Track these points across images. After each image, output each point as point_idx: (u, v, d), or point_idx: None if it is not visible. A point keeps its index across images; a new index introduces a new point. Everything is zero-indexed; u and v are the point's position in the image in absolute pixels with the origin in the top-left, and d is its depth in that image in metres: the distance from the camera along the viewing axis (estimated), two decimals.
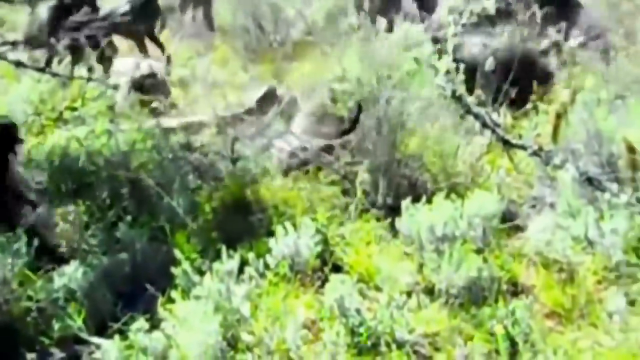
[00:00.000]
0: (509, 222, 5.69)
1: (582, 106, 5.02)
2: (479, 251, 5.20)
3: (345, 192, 6.12)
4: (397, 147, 6.08)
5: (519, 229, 5.75)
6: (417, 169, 6.05)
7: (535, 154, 3.99)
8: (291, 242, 4.98)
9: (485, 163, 6.21)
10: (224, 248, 4.83)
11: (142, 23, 9.68)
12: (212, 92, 7.96)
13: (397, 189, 5.97)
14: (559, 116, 3.94)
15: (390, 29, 7.94)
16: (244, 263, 4.92)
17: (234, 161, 6.25)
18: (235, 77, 8.86)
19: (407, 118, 6.13)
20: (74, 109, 7.59)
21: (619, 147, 4.50)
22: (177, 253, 4.87)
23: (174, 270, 4.83)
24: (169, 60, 9.57)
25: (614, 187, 3.86)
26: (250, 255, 4.91)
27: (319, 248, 5.21)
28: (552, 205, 5.75)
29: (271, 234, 5.36)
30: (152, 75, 8.51)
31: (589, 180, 3.90)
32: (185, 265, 4.82)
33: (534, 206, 5.93)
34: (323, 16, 9.80)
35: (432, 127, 6.25)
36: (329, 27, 9.61)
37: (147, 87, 8.34)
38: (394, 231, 5.58)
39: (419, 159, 6.08)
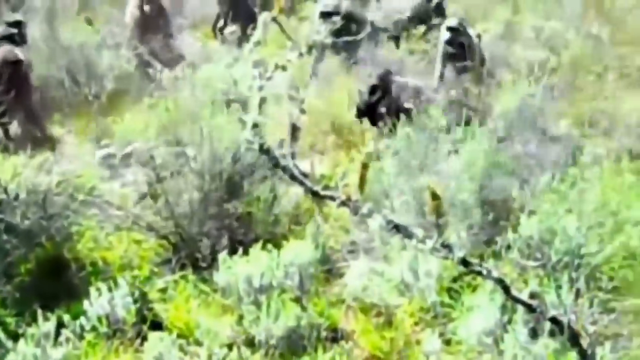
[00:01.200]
0: (327, 268, 5.80)
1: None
2: (297, 300, 5.27)
3: (162, 246, 6.08)
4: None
5: (337, 275, 5.87)
6: (235, 220, 6.07)
7: (343, 204, 4.09)
8: (105, 302, 4.90)
9: (303, 211, 6.31)
10: (39, 311, 4.73)
11: None
12: None
13: (215, 240, 5.97)
14: (364, 166, 4.06)
15: None
16: (61, 325, 4.84)
17: (49, 218, 6.11)
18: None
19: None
20: None
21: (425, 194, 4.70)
22: None
23: None
24: None
25: (419, 233, 3.99)
26: (67, 317, 4.83)
27: (136, 306, 5.16)
28: (368, 251, 5.91)
29: (89, 293, 5.29)
30: None
31: (396, 228, 4.02)
32: None
33: (351, 251, 6.07)
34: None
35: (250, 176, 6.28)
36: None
37: None
38: (212, 284, 5.57)
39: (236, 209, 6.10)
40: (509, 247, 5.36)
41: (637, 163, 6.22)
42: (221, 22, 12.40)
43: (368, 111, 8.01)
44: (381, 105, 7.91)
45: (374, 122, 7.87)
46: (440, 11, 11.09)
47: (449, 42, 9.07)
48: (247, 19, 11.53)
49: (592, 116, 8.35)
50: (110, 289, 5.03)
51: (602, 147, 7.34)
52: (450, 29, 9.09)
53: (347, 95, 8.35)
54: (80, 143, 7.86)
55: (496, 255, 5.45)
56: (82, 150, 7.24)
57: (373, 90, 8.03)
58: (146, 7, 11.05)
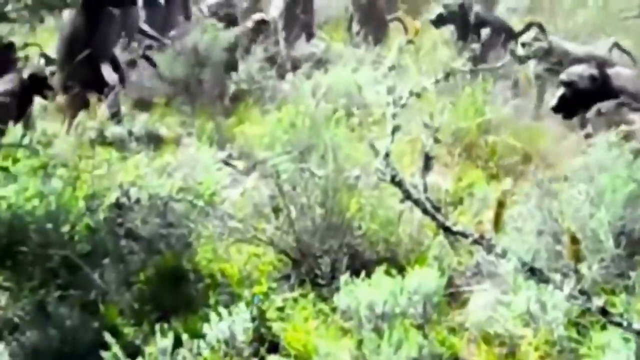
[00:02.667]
0: (450, 292, 5.63)
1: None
2: (419, 327, 5.11)
3: (281, 260, 5.98)
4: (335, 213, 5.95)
5: (459, 300, 5.68)
6: (357, 237, 5.93)
7: (476, 242, 3.90)
8: (226, 327, 4.82)
9: (426, 230, 6.12)
10: (157, 326, 4.69)
11: None
12: None
13: (336, 257, 5.83)
14: (500, 204, 3.87)
15: None
16: (178, 341, 4.80)
17: (169, 225, 6.07)
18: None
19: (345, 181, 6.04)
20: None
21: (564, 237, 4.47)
22: (107, 336, 4.69)
23: (104, 354, 4.65)
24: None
25: (557, 278, 3.79)
26: (185, 336, 4.77)
27: (254, 324, 5.07)
28: (492, 275, 5.69)
29: (207, 306, 5.25)
30: None
31: (531, 271, 3.82)
32: (116, 349, 4.65)
33: (475, 274, 5.87)
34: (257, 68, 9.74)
35: (372, 192, 6.13)
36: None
37: None
38: (332, 304, 5.45)
39: (358, 227, 5.95)
40: None
41: None
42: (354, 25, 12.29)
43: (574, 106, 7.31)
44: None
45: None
46: None
47: None
48: (377, 26, 11.47)
49: None
50: (230, 313, 4.93)
51: None
52: None
53: (471, 106, 8.15)
54: (202, 146, 7.80)
55: (629, 291, 5.20)
56: (202, 154, 7.15)
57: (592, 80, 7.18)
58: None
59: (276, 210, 5.76)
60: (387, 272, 5.27)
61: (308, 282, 5.78)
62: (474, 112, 8.09)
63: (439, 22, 10.74)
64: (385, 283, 5.16)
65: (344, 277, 5.31)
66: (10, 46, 8.50)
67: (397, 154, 7.17)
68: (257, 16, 10.91)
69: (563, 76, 7.42)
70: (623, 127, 5.89)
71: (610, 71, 7.28)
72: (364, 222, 5.96)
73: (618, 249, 5.49)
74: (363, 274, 5.32)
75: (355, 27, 12.24)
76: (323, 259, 5.80)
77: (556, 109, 7.42)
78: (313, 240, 5.87)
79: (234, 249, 6.06)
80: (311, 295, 5.60)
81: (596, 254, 5.48)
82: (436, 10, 10.83)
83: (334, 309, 5.43)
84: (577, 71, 7.30)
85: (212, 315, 4.94)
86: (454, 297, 5.71)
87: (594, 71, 7.18)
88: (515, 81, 9.54)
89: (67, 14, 8.94)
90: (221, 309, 4.96)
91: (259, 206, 5.99)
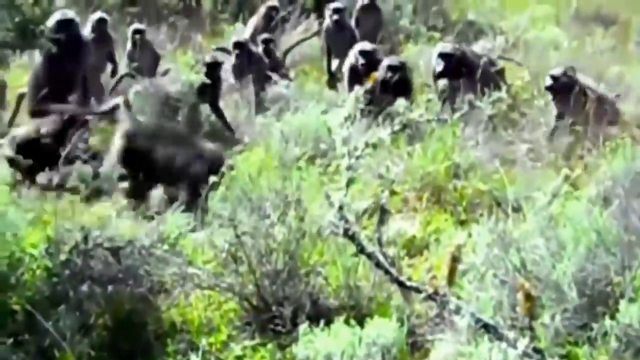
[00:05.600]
0: (413, 342, 5.57)
1: None
2: None
3: (243, 307, 5.90)
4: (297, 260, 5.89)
5: (421, 349, 5.62)
6: (319, 285, 5.86)
7: (430, 297, 3.87)
8: None
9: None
10: None
11: None
12: None
13: (297, 305, 5.77)
14: (454, 259, 3.83)
15: None
16: None
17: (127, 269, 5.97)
18: None
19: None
20: None
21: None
22: None
23: None
24: None
25: (510, 335, 3.75)
26: None
27: None
28: (454, 325, 5.63)
29: (166, 354, 5.18)
30: None
31: (485, 327, 3.78)
32: None
33: (437, 324, 5.81)
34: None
35: (335, 239, 6.06)
36: None
37: None
38: (292, 354, 5.38)
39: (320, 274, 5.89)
40: (605, 334, 5.08)
41: None
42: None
43: None
44: None
45: None
46: None
47: None
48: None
49: None
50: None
51: None
52: None
53: (440, 150, 8.12)
54: None
55: (591, 342, 5.15)
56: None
57: None
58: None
59: (234, 257, 5.69)
60: (347, 322, 5.20)
61: (269, 330, 5.71)
62: (442, 156, 8.06)
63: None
64: (344, 333, 5.10)
65: (303, 327, 5.24)
66: None
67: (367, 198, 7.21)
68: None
69: None
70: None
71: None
72: (326, 269, 5.89)
73: (581, 299, 5.45)
74: (322, 323, 5.24)
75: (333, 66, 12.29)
76: (284, 306, 5.73)
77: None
78: (274, 288, 5.81)
79: (195, 297, 5.99)
80: (270, 347, 5.52)
81: (559, 304, 5.43)
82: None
83: (293, 359, 5.36)
84: None
85: None
86: (415, 346, 5.65)
87: None
88: (487, 124, 9.53)
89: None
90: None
91: (218, 252, 5.90)
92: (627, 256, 5.51)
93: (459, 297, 5.09)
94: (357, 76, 10.15)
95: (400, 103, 8.36)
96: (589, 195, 5.97)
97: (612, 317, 5.06)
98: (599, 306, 5.40)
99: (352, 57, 10.76)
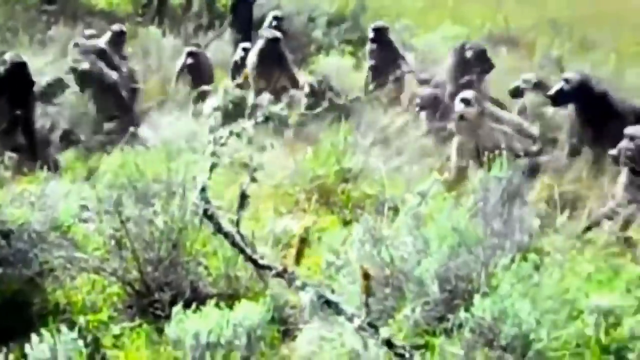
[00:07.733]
0: (285, 329, 5.89)
1: None
2: (244, 359, 5.34)
3: (126, 292, 6.17)
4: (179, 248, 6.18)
5: (292, 336, 5.94)
6: (199, 273, 6.16)
7: (278, 275, 4.20)
8: (47, 348, 4.97)
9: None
10: None
11: None
12: None
13: (178, 291, 6.05)
14: (302, 240, 4.18)
15: None
16: None
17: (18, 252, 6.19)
18: None
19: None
20: None
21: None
22: None
23: None
24: None
25: (349, 310, 4.09)
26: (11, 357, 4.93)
27: (87, 350, 5.24)
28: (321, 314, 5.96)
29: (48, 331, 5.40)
30: None
31: (327, 303, 4.12)
32: None
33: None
34: None
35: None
36: None
37: None
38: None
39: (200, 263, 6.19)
40: (460, 326, 5.45)
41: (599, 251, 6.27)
42: None
43: None
44: None
45: None
46: None
47: None
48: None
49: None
50: (52, 335, 5.09)
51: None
52: None
53: (332, 154, 8.48)
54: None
55: (447, 333, 5.52)
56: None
57: None
58: None
59: (119, 244, 5.96)
60: (217, 305, 5.50)
61: (149, 314, 5.99)
62: (334, 160, 8.42)
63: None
64: (213, 315, 5.38)
65: (176, 308, 5.51)
66: None
67: (262, 197, 7.55)
68: None
69: None
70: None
71: None
72: (207, 258, 6.19)
73: (442, 294, 5.83)
74: (194, 306, 5.53)
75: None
76: (165, 292, 6.02)
77: None
78: (156, 274, 6.09)
79: (81, 280, 6.25)
80: (146, 327, 5.80)
81: (421, 297, 5.81)
82: None
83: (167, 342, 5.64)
84: None
85: (34, 338, 5.08)
86: (287, 333, 5.97)
87: None
88: (382, 130, 9.94)
89: None
90: (45, 333, 5.09)
91: (106, 239, 6.17)
92: (486, 255, 5.95)
93: (332, 291, 5.49)
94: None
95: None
96: (456, 198, 6.36)
97: (467, 310, 5.43)
98: (457, 300, 5.81)
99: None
